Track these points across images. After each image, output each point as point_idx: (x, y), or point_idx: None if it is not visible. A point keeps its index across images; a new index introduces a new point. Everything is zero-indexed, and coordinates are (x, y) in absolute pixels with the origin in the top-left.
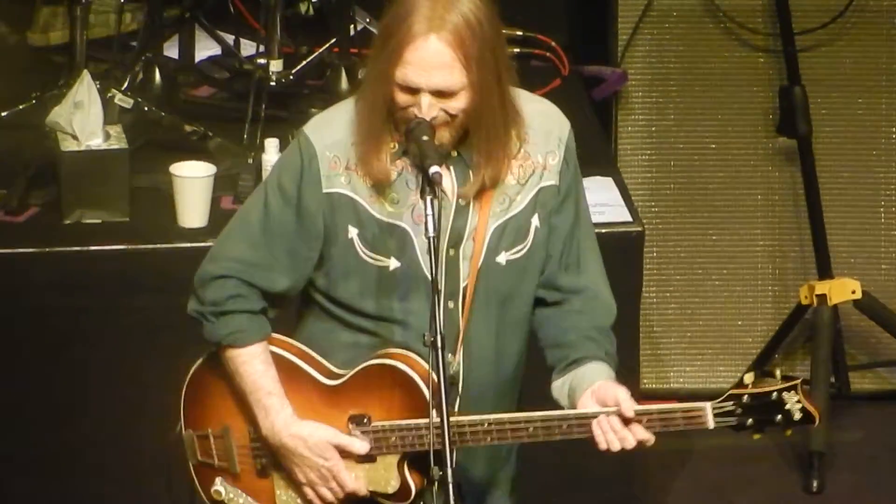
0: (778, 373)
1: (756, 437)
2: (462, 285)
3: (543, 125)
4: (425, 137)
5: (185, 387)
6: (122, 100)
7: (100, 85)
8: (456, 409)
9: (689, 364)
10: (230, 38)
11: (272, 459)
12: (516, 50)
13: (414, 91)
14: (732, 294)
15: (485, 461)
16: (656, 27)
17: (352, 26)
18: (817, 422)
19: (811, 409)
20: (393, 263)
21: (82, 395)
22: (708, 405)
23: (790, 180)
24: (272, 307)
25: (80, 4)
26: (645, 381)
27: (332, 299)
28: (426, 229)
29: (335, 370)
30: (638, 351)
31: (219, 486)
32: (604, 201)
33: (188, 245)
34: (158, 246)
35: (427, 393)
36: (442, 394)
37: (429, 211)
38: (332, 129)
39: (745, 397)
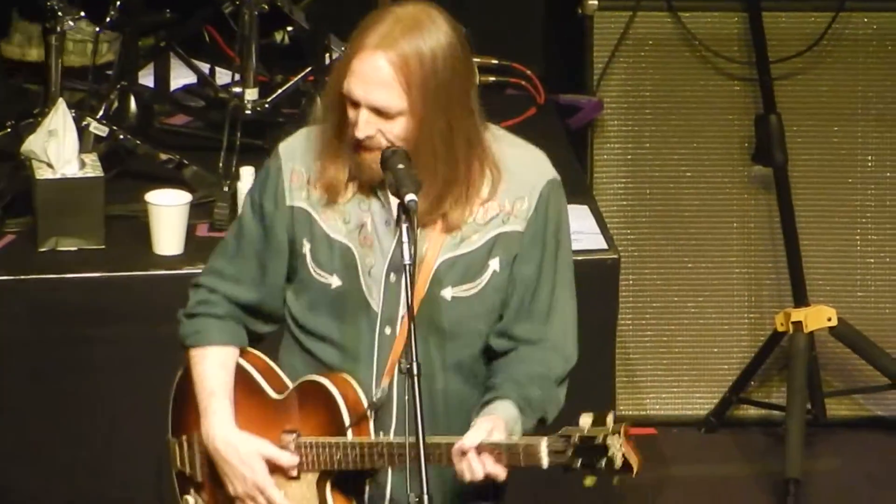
0: (610, 418)
1: (588, 481)
2: (401, 313)
3: (519, 172)
4: (401, 165)
5: (171, 394)
6: (97, 128)
7: (75, 113)
8: (391, 433)
9: (665, 391)
10: (206, 67)
11: None
12: (492, 79)
13: (355, 105)
14: (708, 321)
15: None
16: (632, 56)
17: (327, 55)
18: (635, 473)
19: (631, 457)
20: (335, 282)
21: (56, 424)
22: (544, 441)
23: (766, 208)
24: (255, 318)
25: (56, 33)
26: (621, 408)
27: (291, 315)
28: (402, 256)
29: (289, 384)
30: (614, 378)
31: (189, 497)
32: (579, 229)
33: (164, 273)
34: (134, 273)
35: (346, 416)
36: (419, 421)
37: (404, 238)
38: (299, 144)
39: (576, 437)
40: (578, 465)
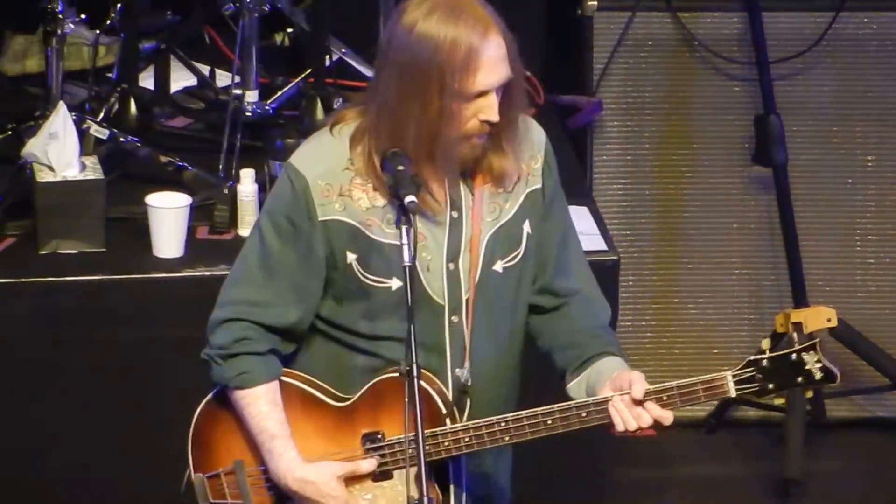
0: (795, 336)
1: (779, 401)
2: (464, 297)
3: (523, 133)
4: (401, 167)
5: (191, 432)
6: (97, 131)
7: (75, 116)
8: (465, 417)
9: None
10: (206, 69)
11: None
12: None
13: (482, 94)
14: (708, 322)
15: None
16: (632, 56)
17: (327, 57)
18: (838, 379)
19: (832, 367)
20: (395, 284)
21: (57, 426)
22: (728, 374)
23: (766, 209)
24: (288, 342)
25: (56, 37)
26: None
27: (333, 323)
28: (403, 258)
29: (338, 394)
30: None
31: None
32: (579, 230)
33: (163, 275)
34: (134, 276)
35: (442, 405)
36: (417, 412)
37: (404, 240)
38: (320, 158)
39: (765, 361)
40: (771, 387)
